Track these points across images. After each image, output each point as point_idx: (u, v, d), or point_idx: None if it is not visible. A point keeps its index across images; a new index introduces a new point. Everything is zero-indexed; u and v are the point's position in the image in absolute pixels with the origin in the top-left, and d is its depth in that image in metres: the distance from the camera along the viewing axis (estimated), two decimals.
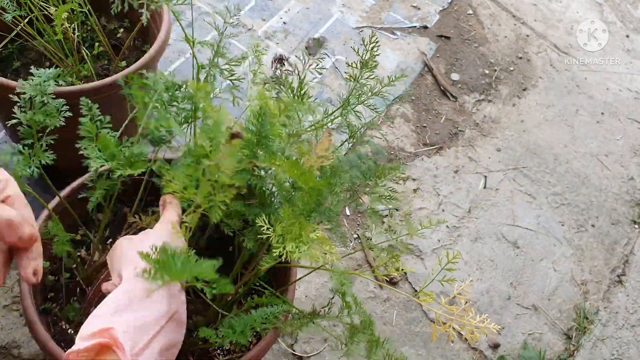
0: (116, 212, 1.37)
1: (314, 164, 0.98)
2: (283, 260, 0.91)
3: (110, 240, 1.35)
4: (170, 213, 1.08)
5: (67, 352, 0.81)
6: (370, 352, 1.06)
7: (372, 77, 1.09)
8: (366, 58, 1.06)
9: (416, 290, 1.10)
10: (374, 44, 1.03)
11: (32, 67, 1.63)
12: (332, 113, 1.13)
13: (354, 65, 1.08)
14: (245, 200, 1.09)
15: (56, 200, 1.27)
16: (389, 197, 1.07)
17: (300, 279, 1.33)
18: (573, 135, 2.39)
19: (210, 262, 0.77)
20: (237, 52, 2.32)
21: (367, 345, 1.08)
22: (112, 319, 0.84)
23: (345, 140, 1.14)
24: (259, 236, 1.00)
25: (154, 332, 0.85)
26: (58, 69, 1.10)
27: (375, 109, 1.10)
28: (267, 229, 0.95)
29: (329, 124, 1.13)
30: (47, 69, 1.09)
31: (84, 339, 0.82)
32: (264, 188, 1.06)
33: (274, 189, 1.08)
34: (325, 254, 0.89)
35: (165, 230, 1.04)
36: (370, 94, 1.10)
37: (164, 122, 1.02)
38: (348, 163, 1.06)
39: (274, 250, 0.92)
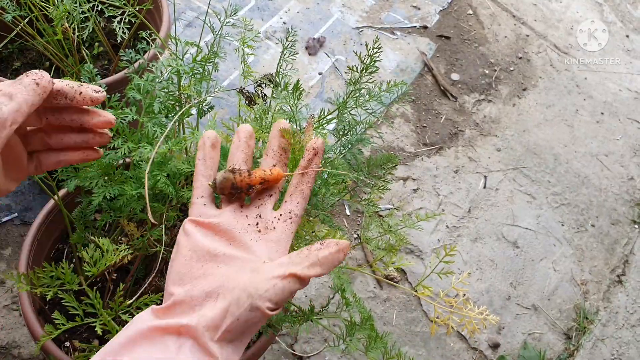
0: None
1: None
2: None
3: None
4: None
5: None
6: (369, 347, 1.06)
7: (371, 80, 1.09)
8: (367, 63, 1.06)
9: (416, 291, 1.10)
10: (377, 49, 1.03)
11: (32, 66, 1.62)
12: (330, 114, 1.13)
13: (354, 69, 1.07)
14: None
15: (52, 203, 1.27)
16: (382, 187, 1.07)
17: None
18: (573, 135, 2.39)
19: None
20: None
21: (366, 340, 1.08)
22: None
23: (341, 137, 1.13)
24: None
25: None
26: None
27: (373, 112, 1.10)
28: None
29: (323, 122, 1.12)
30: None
31: None
32: None
33: None
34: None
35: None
36: (368, 97, 1.09)
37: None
38: (335, 154, 1.06)
39: None
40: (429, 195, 2.12)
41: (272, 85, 1.14)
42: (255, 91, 1.17)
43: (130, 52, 1.19)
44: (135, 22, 1.33)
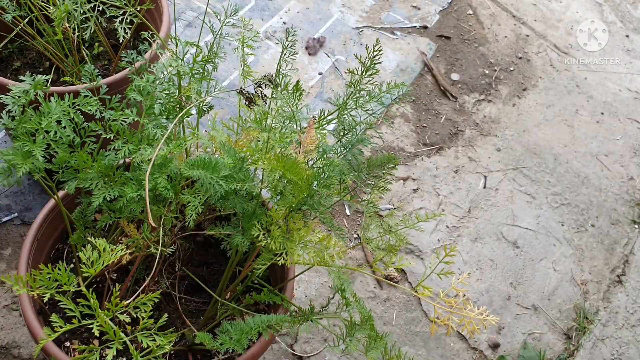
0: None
1: (301, 158, 0.98)
2: (286, 263, 0.91)
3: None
4: None
5: None
6: (369, 347, 1.06)
7: (371, 82, 1.09)
8: (367, 66, 1.06)
9: (416, 291, 1.10)
10: (377, 52, 1.03)
11: (32, 66, 1.61)
12: (330, 114, 1.13)
13: (355, 72, 1.07)
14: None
15: (52, 202, 1.27)
16: (382, 188, 1.07)
17: (298, 275, 1.33)
18: (573, 135, 2.39)
19: None
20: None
21: (366, 340, 1.08)
22: None
23: (342, 137, 1.13)
24: (256, 244, 1.00)
25: None
26: (46, 75, 1.09)
27: (373, 113, 1.10)
28: (264, 235, 0.94)
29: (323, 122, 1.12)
30: (36, 75, 1.07)
31: None
32: (252, 191, 1.06)
33: (262, 192, 1.07)
34: (332, 255, 0.90)
35: None
36: (368, 98, 1.09)
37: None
38: (335, 154, 1.06)
39: (269, 254, 0.92)
40: (429, 195, 2.12)
41: (272, 86, 1.14)
42: (255, 92, 1.17)
43: (132, 53, 1.19)
44: (135, 21, 1.33)
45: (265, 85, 1.19)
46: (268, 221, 0.99)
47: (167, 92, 1.11)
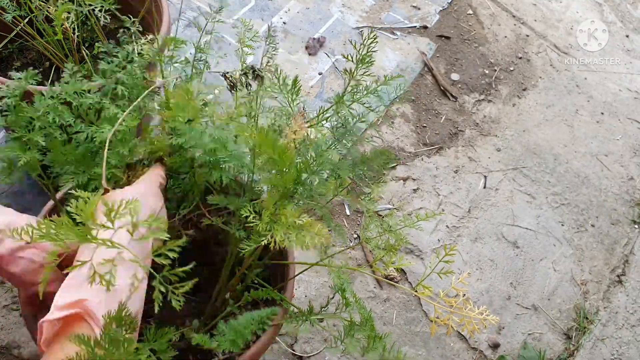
0: None
1: (288, 141, 0.98)
2: (272, 248, 0.90)
3: None
4: (152, 172, 1.09)
5: (41, 320, 0.81)
6: (368, 348, 1.06)
7: (368, 74, 1.08)
8: (363, 54, 1.05)
9: (416, 291, 1.10)
10: (372, 39, 1.02)
11: (32, 66, 1.62)
12: (327, 110, 1.13)
13: (350, 58, 1.07)
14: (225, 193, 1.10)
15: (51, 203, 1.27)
16: (379, 181, 1.07)
17: (298, 274, 1.33)
18: (573, 135, 2.39)
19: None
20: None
21: (365, 340, 1.07)
22: (84, 289, 0.84)
23: (337, 132, 1.13)
24: (246, 225, 0.99)
25: (126, 296, 0.86)
26: (33, 70, 1.10)
27: (371, 108, 1.10)
28: (254, 217, 0.94)
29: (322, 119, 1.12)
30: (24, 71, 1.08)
31: (58, 308, 0.82)
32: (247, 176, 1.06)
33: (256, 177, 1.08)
34: (315, 238, 0.88)
35: (144, 186, 1.04)
36: (365, 91, 1.09)
37: None
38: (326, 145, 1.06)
39: (260, 238, 0.91)
40: (429, 195, 2.12)
41: (253, 77, 1.14)
42: (240, 79, 1.17)
43: (110, 43, 1.21)
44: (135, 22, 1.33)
45: (248, 75, 1.19)
46: (261, 206, 0.98)
47: (132, 74, 1.13)
